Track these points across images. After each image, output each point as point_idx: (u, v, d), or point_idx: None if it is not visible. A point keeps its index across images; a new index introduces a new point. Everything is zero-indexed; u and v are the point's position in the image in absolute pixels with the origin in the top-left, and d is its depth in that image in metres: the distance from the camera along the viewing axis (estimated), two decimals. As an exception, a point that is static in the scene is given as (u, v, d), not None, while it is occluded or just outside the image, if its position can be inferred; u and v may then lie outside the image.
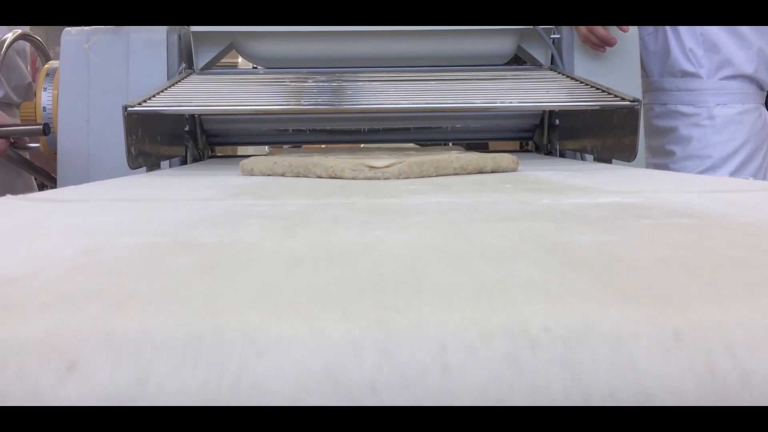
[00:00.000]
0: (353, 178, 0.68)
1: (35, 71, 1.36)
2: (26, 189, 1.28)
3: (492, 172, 0.75)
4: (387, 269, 0.25)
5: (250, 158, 0.79)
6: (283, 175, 0.74)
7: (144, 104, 0.86)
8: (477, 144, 1.44)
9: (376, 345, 0.17)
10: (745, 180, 0.68)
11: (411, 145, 1.56)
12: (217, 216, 0.43)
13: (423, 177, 0.70)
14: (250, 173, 0.76)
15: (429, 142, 1.34)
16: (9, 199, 0.51)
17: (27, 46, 1.26)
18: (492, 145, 1.44)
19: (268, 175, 0.75)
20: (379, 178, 0.68)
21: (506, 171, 0.76)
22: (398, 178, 0.68)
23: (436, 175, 0.71)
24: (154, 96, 0.91)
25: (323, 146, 1.84)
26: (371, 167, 0.68)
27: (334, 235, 0.34)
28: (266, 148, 1.78)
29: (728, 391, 0.18)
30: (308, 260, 0.27)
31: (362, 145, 1.69)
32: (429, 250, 0.30)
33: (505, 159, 0.77)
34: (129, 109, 0.83)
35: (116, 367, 0.18)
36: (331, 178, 0.69)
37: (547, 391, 0.17)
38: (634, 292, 0.21)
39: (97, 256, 0.29)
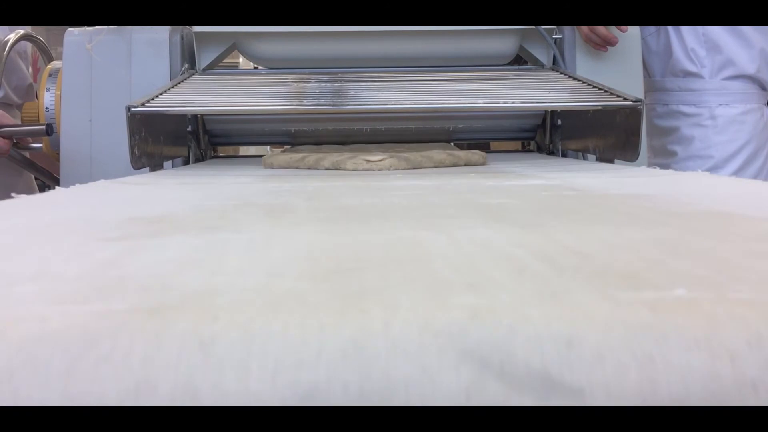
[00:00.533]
0: (353, 170, 0.82)
1: (36, 72, 1.36)
2: (27, 189, 1.28)
3: (465, 165, 0.91)
4: (371, 213, 0.44)
5: (269, 155, 0.98)
6: (297, 168, 0.88)
7: (147, 105, 0.87)
8: (479, 144, 1.44)
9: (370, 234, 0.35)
10: (663, 170, 0.78)
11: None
12: (259, 191, 0.61)
13: (408, 169, 0.84)
14: (270, 166, 0.91)
15: (431, 143, 1.33)
16: (104, 182, 0.67)
17: (28, 47, 1.26)
18: (494, 145, 1.44)
19: (285, 167, 0.89)
20: (373, 170, 0.82)
21: (476, 164, 0.92)
22: (389, 170, 0.82)
23: (420, 168, 0.86)
24: (157, 96, 0.91)
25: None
26: (368, 161, 0.83)
27: (340, 201, 0.52)
28: (267, 148, 1.78)
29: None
30: (324, 211, 0.46)
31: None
32: (398, 205, 0.48)
33: (475, 155, 0.94)
34: (132, 109, 0.83)
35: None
36: (336, 169, 0.84)
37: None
38: (504, 220, 0.40)
39: (204, 207, 0.48)
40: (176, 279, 0.24)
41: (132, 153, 0.83)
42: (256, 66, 1.29)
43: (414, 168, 0.85)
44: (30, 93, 1.27)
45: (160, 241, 0.33)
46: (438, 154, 0.89)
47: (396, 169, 0.83)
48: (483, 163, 0.93)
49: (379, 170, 0.82)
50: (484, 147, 1.46)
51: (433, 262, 0.27)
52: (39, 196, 0.52)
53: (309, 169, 0.87)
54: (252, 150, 1.74)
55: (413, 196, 0.54)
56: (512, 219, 0.40)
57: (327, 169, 0.85)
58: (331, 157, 0.85)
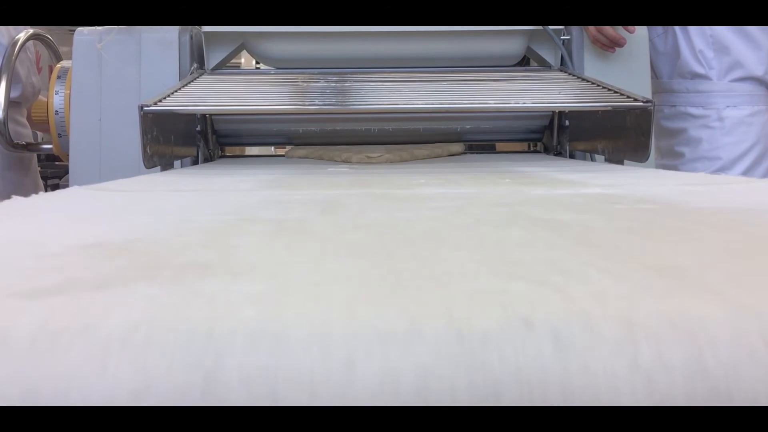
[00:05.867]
0: (357, 163, 1.00)
1: (39, 71, 1.36)
2: (34, 186, 1.28)
3: (448, 155, 1.15)
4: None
5: (291, 148, 1.20)
6: (307, 157, 1.11)
7: (159, 104, 0.86)
8: (485, 145, 1.44)
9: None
10: (718, 175, 0.74)
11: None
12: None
13: (403, 162, 1.04)
14: (291, 156, 1.15)
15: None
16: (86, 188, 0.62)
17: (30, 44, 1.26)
18: (500, 146, 1.44)
19: (304, 157, 1.12)
20: (374, 163, 1.00)
21: (457, 154, 1.17)
22: (386, 163, 1.01)
23: (412, 160, 1.06)
24: (168, 96, 0.91)
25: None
26: (369, 156, 1.03)
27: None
28: (272, 148, 1.78)
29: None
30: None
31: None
32: (444, 223, 0.41)
33: (455, 146, 1.19)
34: (145, 108, 0.83)
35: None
36: (343, 162, 1.03)
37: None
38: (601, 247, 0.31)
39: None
40: None
41: (144, 152, 0.83)
42: (258, 66, 1.29)
43: (406, 161, 1.04)
44: (39, 88, 1.27)
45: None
46: (423, 148, 1.12)
47: (392, 162, 1.02)
48: (463, 153, 1.18)
49: (378, 163, 1.00)
50: (490, 148, 1.46)
51: None
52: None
53: (321, 159, 1.07)
54: (255, 150, 1.74)
55: (453, 210, 0.45)
56: (612, 245, 0.31)
57: (334, 160, 1.03)
58: (339, 155, 1.05)
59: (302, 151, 1.14)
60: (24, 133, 1.25)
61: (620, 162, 0.97)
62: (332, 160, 1.04)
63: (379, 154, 1.03)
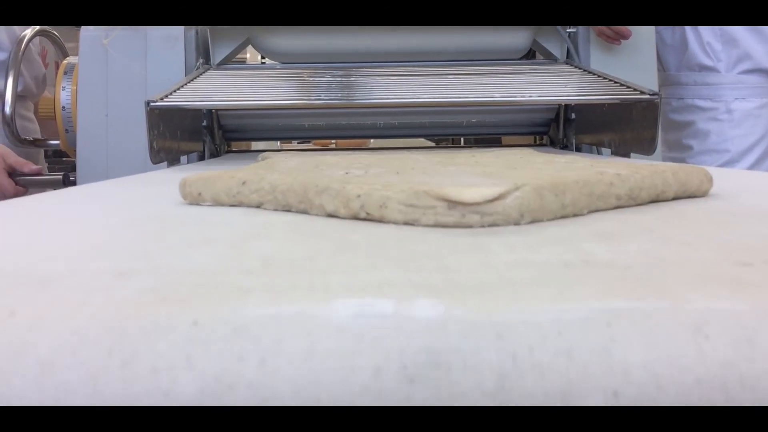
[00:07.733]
0: (407, 224, 0.31)
1: (45, 67, 1.36)
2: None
3: (674, 198, 0.40)
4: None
5: (198, 175, 0.42)
6: (258, 207, 0.39)
7: (165, 99, 0.87)
8: (489, 139, 1.44)
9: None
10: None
11: (421, 140, 1.56)
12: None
13: (566, 217, 0.33)
14: (196, 201, 0.41)
15: (443, 137, 1.33)
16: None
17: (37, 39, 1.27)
18: (505, 139, 1.44)
19: (230, 205, 0.40)
20: (472, 226, 0.30)
21: (694, 196, 0.41)
22: (518, 223, 0.31)
23: (588, 212, 0.34)
24: (174, 91, 0.91)
25: (332, 143, 1.84)
26: (454, 202, 0.30)
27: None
28: (278, 143, 1.78)
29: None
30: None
31: (371, 141, 1.68)
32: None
33: (693, 175, 0.41)
34: (152, 104, 0.84)
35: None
36: (354, 219, 0.33)
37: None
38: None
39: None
40: None
41: (151, 147, 0.83)
42: (263, 60, 1.29)
43: (579, 215, 0.34)
44: (45, 83, 1.28)
45: None
46: (618, 177, 0.36)
47: (534, 221, 0.31)
48: (706, 192, 0.42)
49: (489, 225, 0.30)
50: (495, 142, 1.46)
51: None
52: None
53: (275, 210, 0.38)
54: (261, 145, 1.75)
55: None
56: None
57: (331, 215, 0.34)
58: (347, 189, 0.33)
59: (225, 183, 0.40)
60: (31, 128, 1.25)
61: (626, 155, 0.97)
62: (311, 209, 0.35)
63: (491, 196, 0.30)
